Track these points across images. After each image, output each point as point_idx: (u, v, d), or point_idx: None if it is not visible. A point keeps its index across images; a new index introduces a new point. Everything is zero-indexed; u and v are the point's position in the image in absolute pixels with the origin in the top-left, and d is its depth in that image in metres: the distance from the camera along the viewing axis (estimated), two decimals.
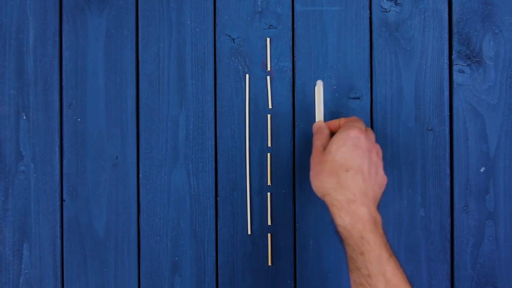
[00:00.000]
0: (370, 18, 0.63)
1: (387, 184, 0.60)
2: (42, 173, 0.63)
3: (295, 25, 0.63)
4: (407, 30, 0.62)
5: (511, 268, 0.61)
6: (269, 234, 0.63)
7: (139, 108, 0.64)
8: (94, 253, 0.64)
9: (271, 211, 0.62)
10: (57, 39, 0.64)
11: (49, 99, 0.64)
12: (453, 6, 0.62)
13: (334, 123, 0.57)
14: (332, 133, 0.56)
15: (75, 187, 0.64)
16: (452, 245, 0.62)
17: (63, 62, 0.64)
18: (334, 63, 0.63)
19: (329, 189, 0.52)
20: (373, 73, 0.63)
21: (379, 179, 0.54)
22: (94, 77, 0.64)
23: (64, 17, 0.64)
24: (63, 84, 0.64)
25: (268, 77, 0.63)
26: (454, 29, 0.62)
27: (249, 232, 0.63)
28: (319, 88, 0.60)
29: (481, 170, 0.62)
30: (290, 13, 0.63)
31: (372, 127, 0.63)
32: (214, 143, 0.63)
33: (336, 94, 0.63)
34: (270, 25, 0.63)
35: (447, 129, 0.62)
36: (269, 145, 0.63)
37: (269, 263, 0.62)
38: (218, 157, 0.63)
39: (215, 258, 0.63)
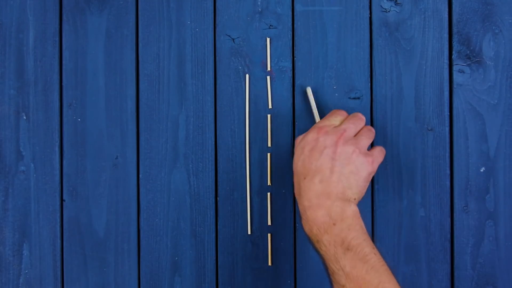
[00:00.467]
0: (370, 18, 0.62)
1: (386, 184, 0.62)
2: (42, 173, 0.63)
3: (295, 25, 0.63)
4: (407, 30, 0.62)
5: (511, 268, 0.61)
6: (269, 234, 0.62)
7: (139, 108, 0.63)
8: (94, 253, 0.63)
9: (271, 211, 0.62)
10: (57, 39, 0.64)
11: (49, 99, 0.64)
12: (453, 6, 0.62)
13: None
14: None
15: (75, 187, 0.63)
16: (452, 245, 0.62)
17: (63, 62, 0.64)
18: (334, 63, 0.62)
19: (298, 200, 0.53)
20: (373, 73, 0.62)
21: (351, 167, 0.52)
22: (94, 77, 0.63)
23: (64, 17, 0.64)
24: (63, 84, 0.64)
25: (268, 77, 0.63)
26: (454, 29, 0.62)
27: (249, 232, 0.62)
28: (310, 95, 0.60)
29: (481, 170, 0.62)
30: (290, 13, 0.63)
31: (372, 126, 0.61)
32: (214, 143, 0.63)
33: (336, 94, 0.62)
34: (270, 25, 0.63)
35: (447, 129, 0.62)
36: (269, 145, 0.62)
37: (269, 263, 0.62)
38: (218, 157, 0.63)
39: (215, 258, 0.63)
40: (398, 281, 0.49)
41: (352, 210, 0.51)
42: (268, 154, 0.63)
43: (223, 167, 0.63)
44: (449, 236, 0.62)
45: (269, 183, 0.63)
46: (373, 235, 0.62)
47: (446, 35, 0.62)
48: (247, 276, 0.62)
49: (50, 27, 0.64)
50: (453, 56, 0.62)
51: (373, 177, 0.62)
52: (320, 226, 0.50)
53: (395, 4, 0.62)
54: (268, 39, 0.63)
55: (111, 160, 0.63)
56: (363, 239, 0.50)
